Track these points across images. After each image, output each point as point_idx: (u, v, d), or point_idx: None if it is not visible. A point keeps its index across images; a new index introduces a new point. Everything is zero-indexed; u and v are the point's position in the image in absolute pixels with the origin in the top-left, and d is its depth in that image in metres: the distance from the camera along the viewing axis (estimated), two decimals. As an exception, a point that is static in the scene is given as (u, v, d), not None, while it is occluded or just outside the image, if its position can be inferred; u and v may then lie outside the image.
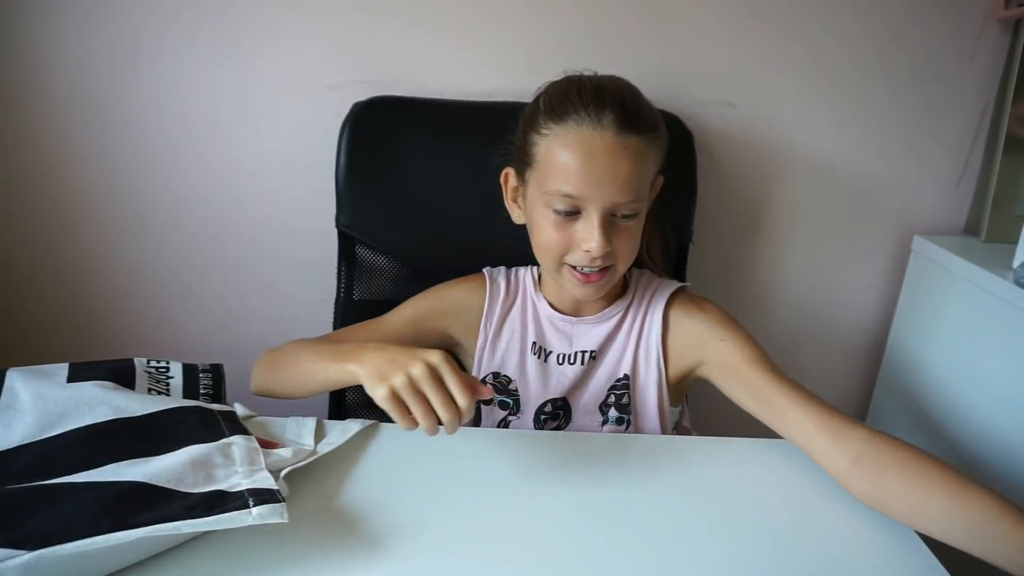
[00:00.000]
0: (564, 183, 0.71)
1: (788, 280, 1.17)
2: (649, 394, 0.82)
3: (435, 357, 0.62)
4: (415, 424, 0.62)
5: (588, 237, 0.72)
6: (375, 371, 0.63)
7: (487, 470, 0.69)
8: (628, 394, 0.82)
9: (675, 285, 0.85)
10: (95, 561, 0.52)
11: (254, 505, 0.55)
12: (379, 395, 0.62)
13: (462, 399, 0.61)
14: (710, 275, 1.14)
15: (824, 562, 0.59)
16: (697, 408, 1.15)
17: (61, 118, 1.06)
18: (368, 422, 0.75)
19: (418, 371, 0.61)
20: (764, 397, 0.73)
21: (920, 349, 1.08)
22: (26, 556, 0.48)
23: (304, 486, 0.64)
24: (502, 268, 0.89)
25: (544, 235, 0.75)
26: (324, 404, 1.00)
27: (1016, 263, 0.88)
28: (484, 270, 0.89)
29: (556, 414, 0.84)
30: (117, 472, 0.57)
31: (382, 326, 0.84)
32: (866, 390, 1.22)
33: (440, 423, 0.61)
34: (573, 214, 0.73)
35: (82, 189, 1.10)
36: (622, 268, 0.78)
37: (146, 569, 0.54)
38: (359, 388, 1.01)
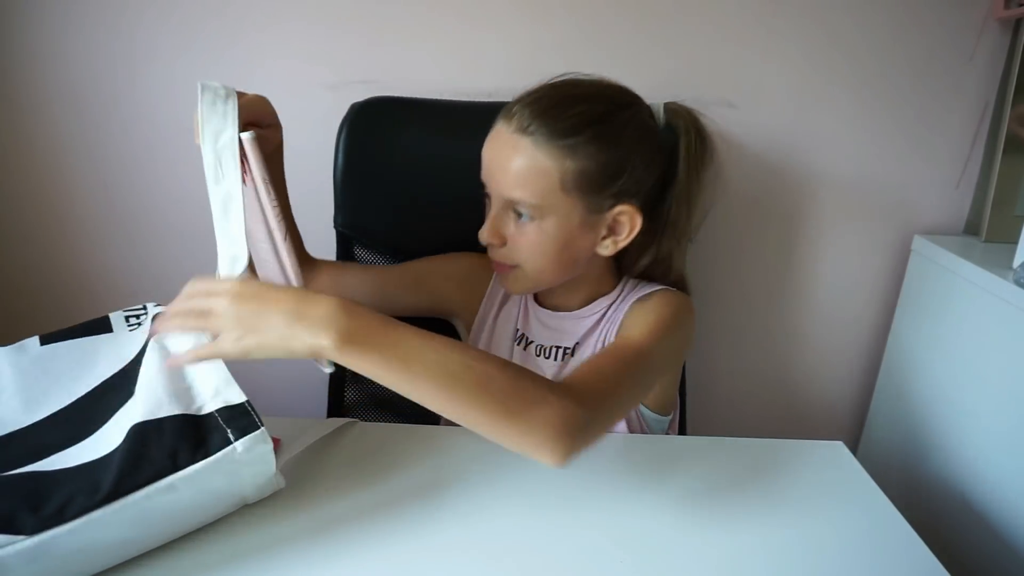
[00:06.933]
0: (481, 169, 0.76)
1: (788, 280, 1.16)
2: None
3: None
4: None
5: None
6: None
7: (486, 468, 0.69)
8: None
9: (658, 287, 0.82)
10: (101, 552, 0.52)
11: (236, 438, 0.54)
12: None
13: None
14: (709, 275, 1.14)
15: (824, 562, 0.59)
16: (698, 408, 1.15)
17: (57, 119, 1.06)
18: (346, 420, 0.75)
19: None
20: None
21: (920, 349, 1.08)
22: (27, 541, 0.47)
23: (295, 482, 0.64)
24: None
25: None
26: (323, 404, 0.99)
27: (1016, 263, 0.88)
28: None
29: None
30: (104, 440, 0.55)
31: (390, 268, 0.89)
32: (866, 390, 1.22)
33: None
34: (490, 198, 0.76)
35: (79, 190, 1.10)
36: (531, 272, 0.76)
37: (145, 562, 0.54)
38: (359, 387, 1.02)
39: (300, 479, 0.65)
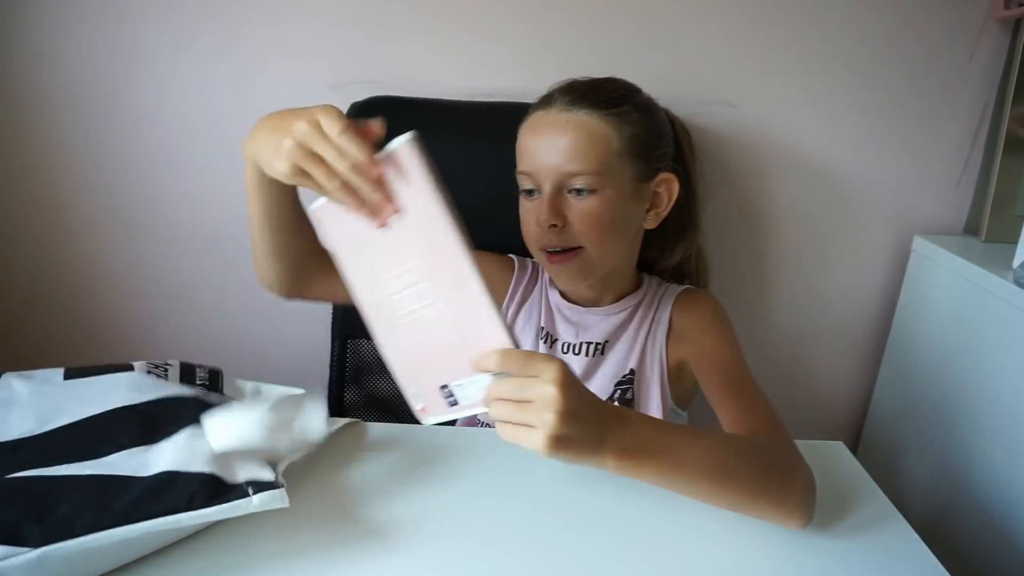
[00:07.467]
0: (521, 162, 0.77)
1: (788, 280, 1.16)
2: (652, 391, 0.82)
3: (320, 111, 0.52)
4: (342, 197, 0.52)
5: (539, 208, 0.75)
6: (266, 145, 0.55)
7: (486, 468, 0.69)
8: (632, 389, 0.82)
9: (683, 286, 0.87)
10: (100, 558, 0.52)
11: (254, 493, 0.54)
12: (281, 171, 0.53)
13: (352, 148, 0.51)
14: (710, 275, 1.14)
15: (824, 562, 0.59)
16: (700, 407, 1.14)
17: (59, 118, 1.06)
18: (346, 420, 0.75)
19: (301, 129, 0.52)
20: (720, 397, 0.74)
21: (920, 349, 1.08)
22: (30, 554, 0.47)
23: (297, 483, 0.64)
24: (527, 258, 0.90)
25: (522, 222, 0.79)
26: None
27: (1016, 263, 0.88)
28: (511, 255, 0.91)
29: None
30: (117, 464, 0.56)
31: None
32: (866, 389, 1.22)
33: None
34: (535, 193, 0.76)
35: (80, 189, 1.10)
36: (594, 253, 0.76)
37: (150, 563, 0.54)
38: (358, 388, 1.02)
39: (300, 479, 0.65)
